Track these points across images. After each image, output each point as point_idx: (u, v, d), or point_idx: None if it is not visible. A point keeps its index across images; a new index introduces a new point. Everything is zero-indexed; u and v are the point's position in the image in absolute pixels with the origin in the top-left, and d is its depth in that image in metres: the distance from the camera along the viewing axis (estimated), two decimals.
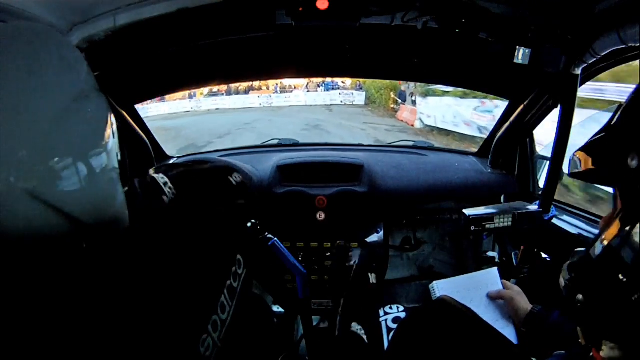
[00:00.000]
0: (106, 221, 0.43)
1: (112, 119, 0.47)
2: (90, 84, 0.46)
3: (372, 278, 0.81)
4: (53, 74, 0.42)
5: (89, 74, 0.47)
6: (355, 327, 0.71)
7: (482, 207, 1.19)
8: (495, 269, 1.03)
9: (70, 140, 0.40)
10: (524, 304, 0.92)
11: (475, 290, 0.99)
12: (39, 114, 0.39)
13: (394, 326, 1.04)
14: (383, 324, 1.03)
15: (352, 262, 0.87)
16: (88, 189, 0.41)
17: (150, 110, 14.36)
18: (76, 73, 0.44)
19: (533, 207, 1.20)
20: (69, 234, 0.40)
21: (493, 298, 0.97)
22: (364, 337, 0.69)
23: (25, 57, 0.40)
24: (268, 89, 17.22)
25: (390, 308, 1.07)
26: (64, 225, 0.39)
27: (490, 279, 1.01)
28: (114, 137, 0.46)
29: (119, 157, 0.48)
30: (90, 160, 0.42)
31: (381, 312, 1.06)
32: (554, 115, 1.18)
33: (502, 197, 1.49)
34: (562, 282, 0.49)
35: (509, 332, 0.92)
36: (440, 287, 0.99)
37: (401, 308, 1.07)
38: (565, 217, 1.33)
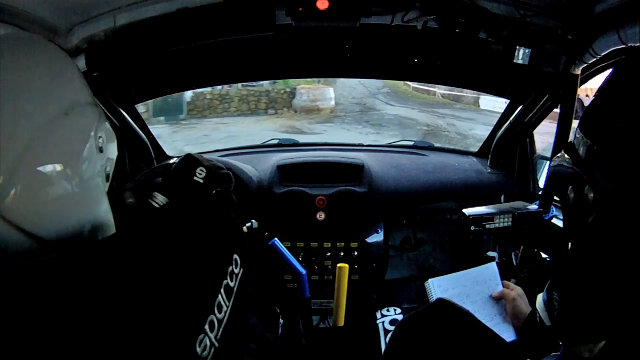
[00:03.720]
0: (76, 234, 0.44)
1: (99, 130, 0.47)
2: (77, 98, 0.46)
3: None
4: (39, 87, 0.42)
5: (82, 85, 0.48)
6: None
7: (482, 207, 1.19)
8: (493, 264, 1.01)
9: (48, 156, 0.41)
10: (524, 307, 0.91)
11: (473, 286, 0.98)
12: (16, 129, 0.38)
13: (392, 328, 1.04)
14: (380, 326, 1.03)
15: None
16: (58, 206, 0.42)
17: None
18: (61, 87, 0.45)
19: (533, 207, 1.20)
20: (30, 251, 0.40)
21: (496, 298, 0.97)
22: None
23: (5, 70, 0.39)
24: None
25: (387, 310, 1.07)
26: (27, 243, 0.40)
27: (488, 274, 1.00)
28: (99, 150, 0.47)
29: (107, 169, 0.49)
30: (64, 178, 0.42)
31: (378, 315, 1.06)
32: None
33: (502, 197, 1.48)
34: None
35: (506, 328, 0.92)
36: (437, 284, 0.98)
37: (398, 310, 1.07)
38: None
